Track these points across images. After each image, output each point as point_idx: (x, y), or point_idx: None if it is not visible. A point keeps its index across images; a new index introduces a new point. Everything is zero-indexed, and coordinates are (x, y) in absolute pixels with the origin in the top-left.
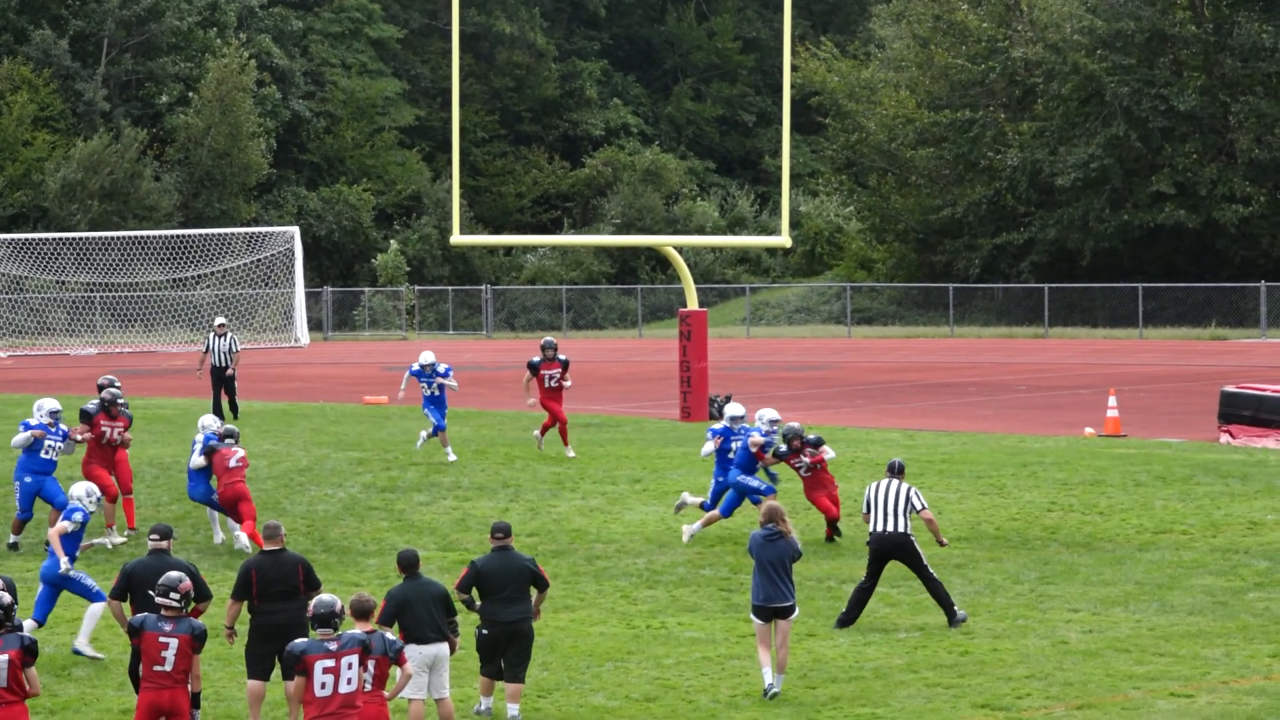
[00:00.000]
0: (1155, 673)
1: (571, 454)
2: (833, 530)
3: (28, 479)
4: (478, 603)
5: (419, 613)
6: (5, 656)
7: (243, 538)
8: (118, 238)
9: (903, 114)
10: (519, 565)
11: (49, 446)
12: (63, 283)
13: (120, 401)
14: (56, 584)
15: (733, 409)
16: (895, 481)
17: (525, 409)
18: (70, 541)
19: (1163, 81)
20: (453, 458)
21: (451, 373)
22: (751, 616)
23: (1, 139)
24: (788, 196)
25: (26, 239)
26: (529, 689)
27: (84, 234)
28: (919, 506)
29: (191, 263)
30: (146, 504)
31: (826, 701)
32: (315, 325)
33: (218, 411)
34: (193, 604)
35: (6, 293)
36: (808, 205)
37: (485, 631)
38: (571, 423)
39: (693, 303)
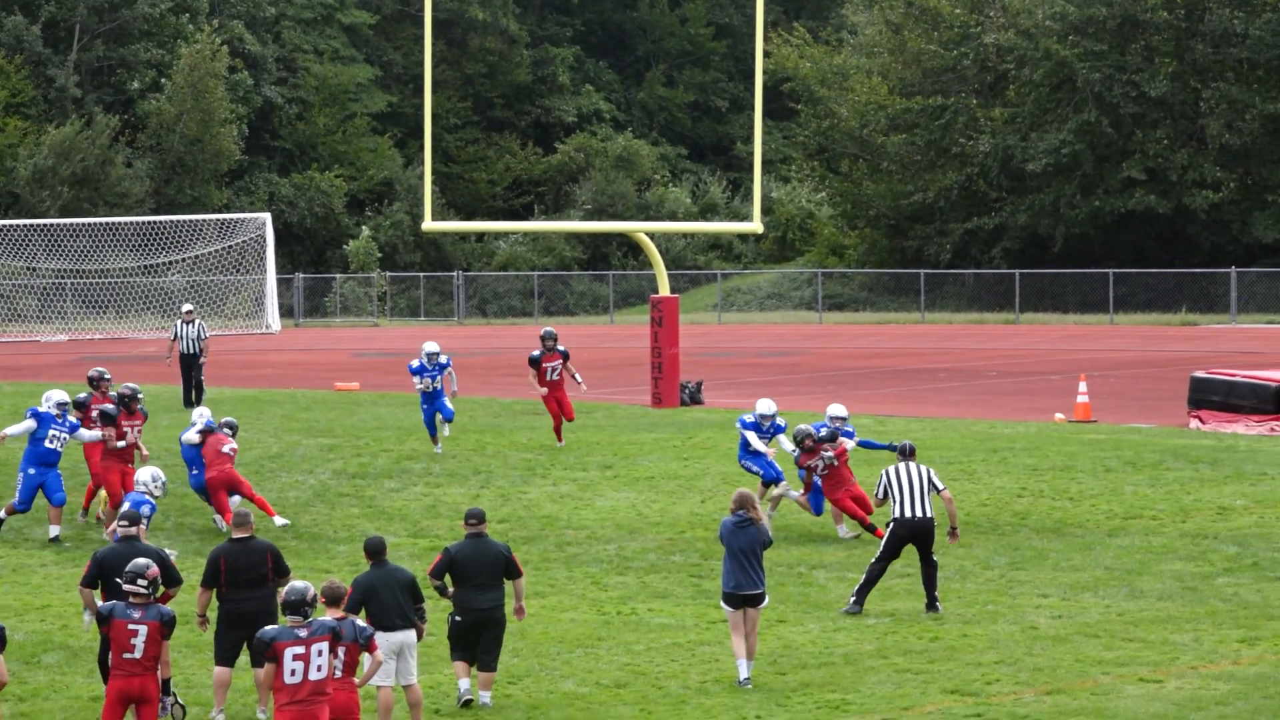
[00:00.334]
0: (1124, 658)
1: (561, 444)
2: (867, 529)
3: (32, 471)
4: (450, 589)
5: (385, 600)
6: None
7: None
8: (89, 224)
9: (875, 100)
10: (494, 553)
11: (53, 436)
12: (33, 269)
13: (139, 397)
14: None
15: (834, 409)
16: (913, 464)
17: (503, 395)
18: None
19: (1134, 67)
20: (439, 449)
21: (451, 362)
22: (722, 604)
23: None
24: (760, 182)
25: None
26: (499, 675)
27: (55, 220)
28: (940, 487)
29: (163, 249)
30: None
31: (796, 687)
32: (286, 311)
33: (188, 399)
34: (162, 589)
35: None
36: (780, 191)
37: (458, 619)
38: (540, 409)
39: (664, 289)
